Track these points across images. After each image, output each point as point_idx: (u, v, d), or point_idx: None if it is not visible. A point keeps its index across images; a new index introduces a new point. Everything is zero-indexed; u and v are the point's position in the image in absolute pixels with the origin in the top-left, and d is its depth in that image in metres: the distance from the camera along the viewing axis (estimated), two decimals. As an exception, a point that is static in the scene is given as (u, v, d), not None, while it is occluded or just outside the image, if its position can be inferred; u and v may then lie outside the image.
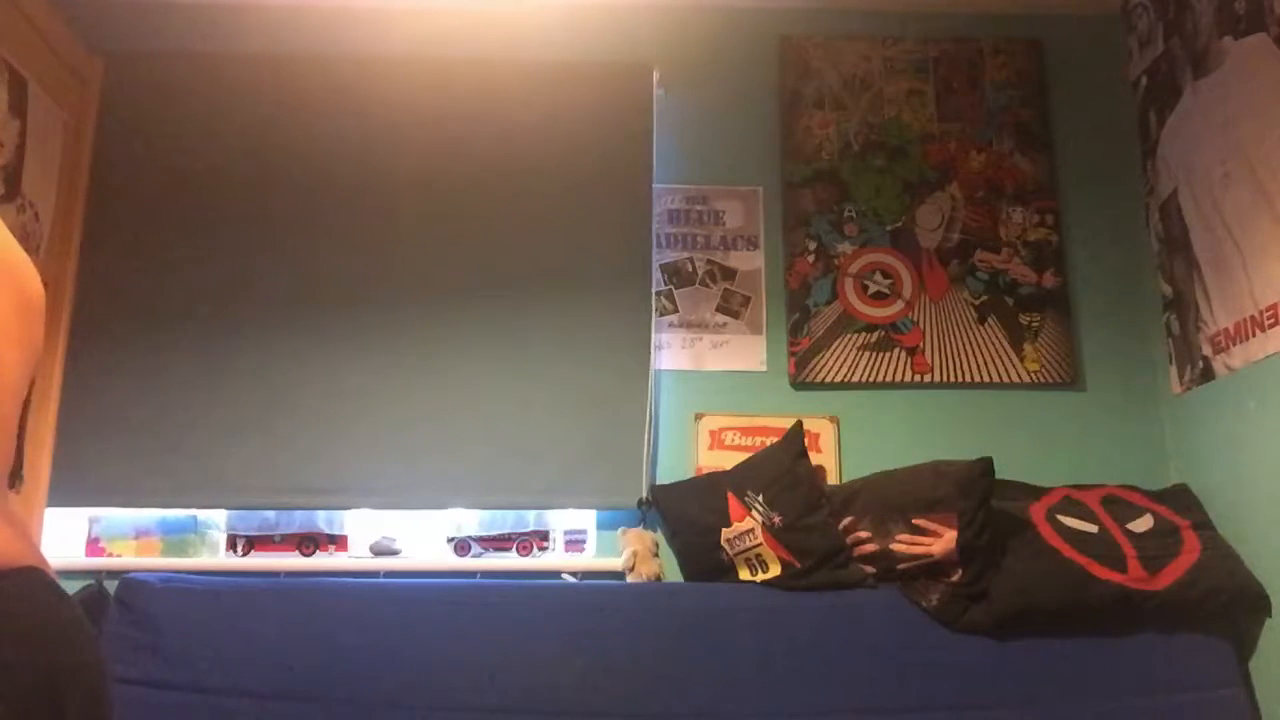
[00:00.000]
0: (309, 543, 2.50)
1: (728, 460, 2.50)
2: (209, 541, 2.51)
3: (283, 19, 2.81)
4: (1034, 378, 2.63)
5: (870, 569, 2.29)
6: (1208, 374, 2.40)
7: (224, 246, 2.62)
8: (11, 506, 1.00)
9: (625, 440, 2.52)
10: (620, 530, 2.49)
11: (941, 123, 2.80)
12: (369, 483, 2.47)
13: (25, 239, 2.33)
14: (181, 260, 2.60)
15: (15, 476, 2.27)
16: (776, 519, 2.29)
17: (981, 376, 2.62)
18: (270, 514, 2.51)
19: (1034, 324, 2.67)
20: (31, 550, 0.95)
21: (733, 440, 2.57)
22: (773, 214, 2.74)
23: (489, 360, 2.57)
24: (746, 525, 2.32)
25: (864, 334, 2.64)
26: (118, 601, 2.17)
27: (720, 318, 2.67)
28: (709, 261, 2.71)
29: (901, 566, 2.25)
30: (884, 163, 2.77)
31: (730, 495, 2.37)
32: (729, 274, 2.70)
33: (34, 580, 0.92)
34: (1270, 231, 2.16)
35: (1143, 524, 2.31)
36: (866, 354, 2.63)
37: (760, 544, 2.29)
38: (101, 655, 0.98)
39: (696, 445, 2.57)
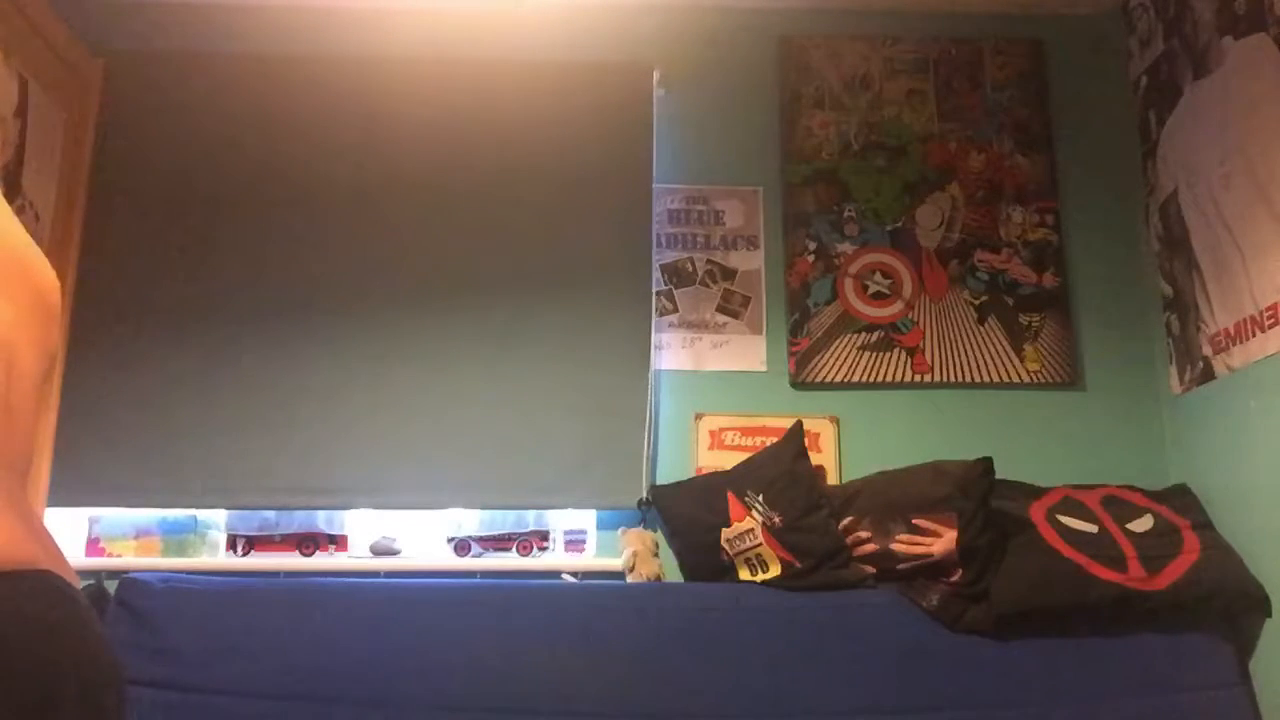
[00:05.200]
0: (309, 543, 2.50)
1: (728, 460, 2.50)
2: (209, 541, 2.51)
3: (283, 19, 2.81)
4: (1034, 378, 2.63)
5: (870, 569, 2.29)
6: (1208, 374, 2.40)
7: (224, 246, 2.61)
8: (30, 505, 1.00)
9: (625, 440, 2.52)
10: (620, 530, 2.49)
11: (941, 123, 2.80)
12: (369, 483, 2.47)
13: (25, 239, 2.32)
14: (181, 260, 2.60)
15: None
16: (776, 519, 2.29)
17: (981, 376, 2.62)
18: (270, 514, 2.51)
19: (1034, 324, 2.66)
20: (43, 552, 0.95)
21: (733, 440, 2.57)
22: (773, 214, 2.74)
23: (489, 360, 2.57)
24: (746, 525, 2.32)
25: (864, 334, 2.64)
26: (118, 601, 2.17)
27: (720, 318, 2.67)
28: (709, 261, 2.71)
29: (901, 566, 2.25)
30: (884, 163, 2.77)
31: (730, 495, 2.37)
32: (729, 274, 2.70)
33: (34, 583, 0.91)
34: (1270, 231, 2.16)
35: (1143, 524, 2.31)
36: (866, 354, 2.63)
37: (760, 544, 2.29)
38: (112, 662, 0.97)
39: (696, 445, 2.57)
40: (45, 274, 1.07)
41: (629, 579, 2.41)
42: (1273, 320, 2.15)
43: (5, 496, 0.93)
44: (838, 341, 2.64)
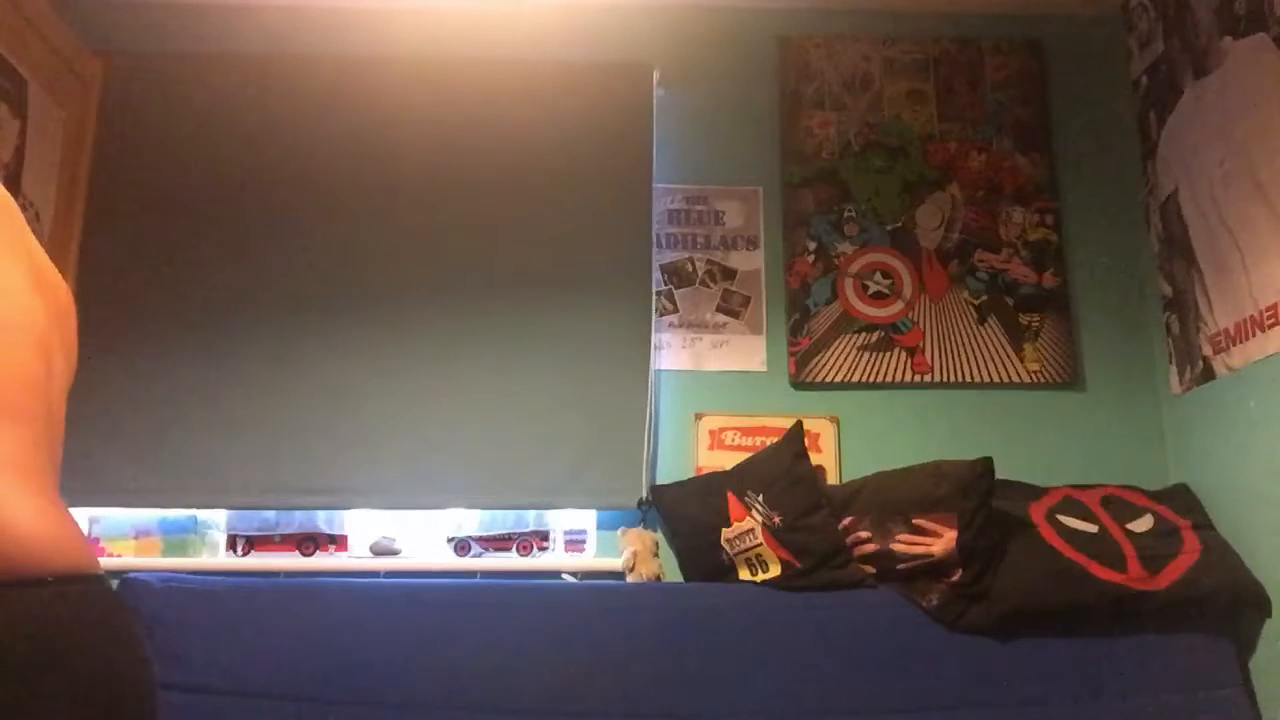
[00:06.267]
0: (309, 543, 2.50)
1: (728, 460, 2.50)
2: (209, 541, 2.51)
3: (283, 19, 2.81)
4: (1034, 378, 2.63)
5: (870, 569, 2.29)
6: (1208, 374, 2.40)
7: (224, 246, 2.61)
8: None
9: (625, 440, 2.52)
10: (620, 530, 2.49)
11: (941, 123, 2.80)
12: (369, 483, 2.47)
13: (25, 239, 2.33)
14: (181, 260, 2.60)
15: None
16: (776, 519, 2.29)
17: (981, 376, 2.62)
18: (270, 514, 2.51)
19: (1034, 324, 2.66)
20: (92, 554, 0.96)
21: (733, 440, 2.57)
22: (773, 214, 2.74)
23: (489, 360, 2.56)
24: (746, 525, 2.32)
25: (864, 334, 2.64)
26: (118, 601, 2.17)
27: (720, 318, 2.67)
28: (709, 261, 2.71)
29: (901, 566, 2.25)
30: (884, 163, 2.77)
31: (730, 495, 2.37)
32: (729, 274, 2.70)
33: (101, 588, 0.93)
34: (1270, 231, 2.16)
35: (1143, 524, 2.31)
36: (866, 354, 2.63)
37: (760, 544, 2.29)
38: (152, 669, 0.99)
39: (696, 445, 2.57)
40: (63, 285, 1.12)
41: (629, 579, 2.41)
42: (1273, 320, 2.15)
43: (59, 499, 0.94)
44: (838, 341, 2.64)
